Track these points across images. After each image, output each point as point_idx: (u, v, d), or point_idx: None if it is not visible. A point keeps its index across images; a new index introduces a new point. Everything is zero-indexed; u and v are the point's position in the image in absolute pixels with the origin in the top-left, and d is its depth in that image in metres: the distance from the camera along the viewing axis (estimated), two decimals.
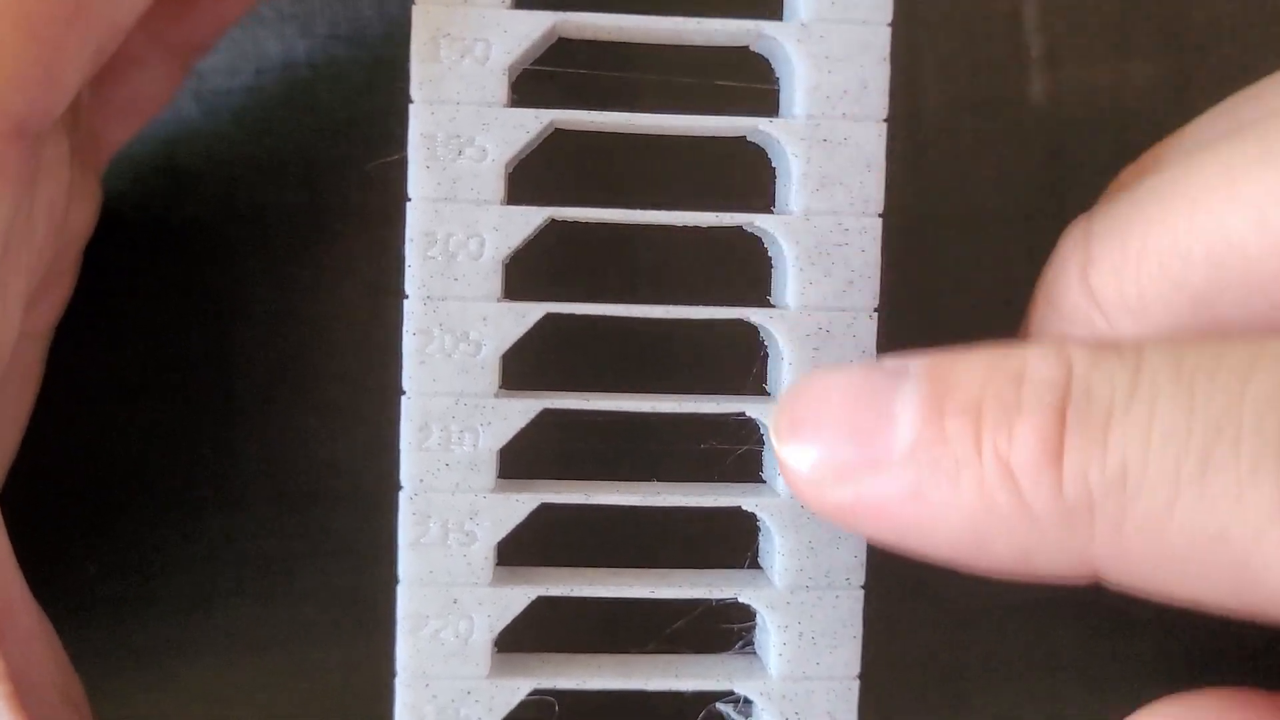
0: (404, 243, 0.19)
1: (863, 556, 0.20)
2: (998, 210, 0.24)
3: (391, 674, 0.19)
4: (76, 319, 0.23)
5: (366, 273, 0.24)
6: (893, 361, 0.17)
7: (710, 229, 0.20)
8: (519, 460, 0.20)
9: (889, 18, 0.19)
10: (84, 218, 0.22)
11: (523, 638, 0.20)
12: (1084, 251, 0.19)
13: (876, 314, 0.20)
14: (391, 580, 0.19)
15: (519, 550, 0.20)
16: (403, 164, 0.19)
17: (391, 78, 0.24)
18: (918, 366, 0.17)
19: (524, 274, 0.20)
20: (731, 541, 0.21)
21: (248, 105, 0.24)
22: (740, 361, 0.21)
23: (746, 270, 0.21)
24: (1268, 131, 0.17)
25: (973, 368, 0.17)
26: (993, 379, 0.16)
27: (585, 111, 0.19)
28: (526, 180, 0.20)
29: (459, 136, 0.19)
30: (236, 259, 0.24)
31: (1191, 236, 0.17)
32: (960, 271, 0.24)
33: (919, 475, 0.16)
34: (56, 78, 0.18)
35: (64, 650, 0.21)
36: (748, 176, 0.21)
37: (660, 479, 0.21)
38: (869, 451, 0.17)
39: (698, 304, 0.20)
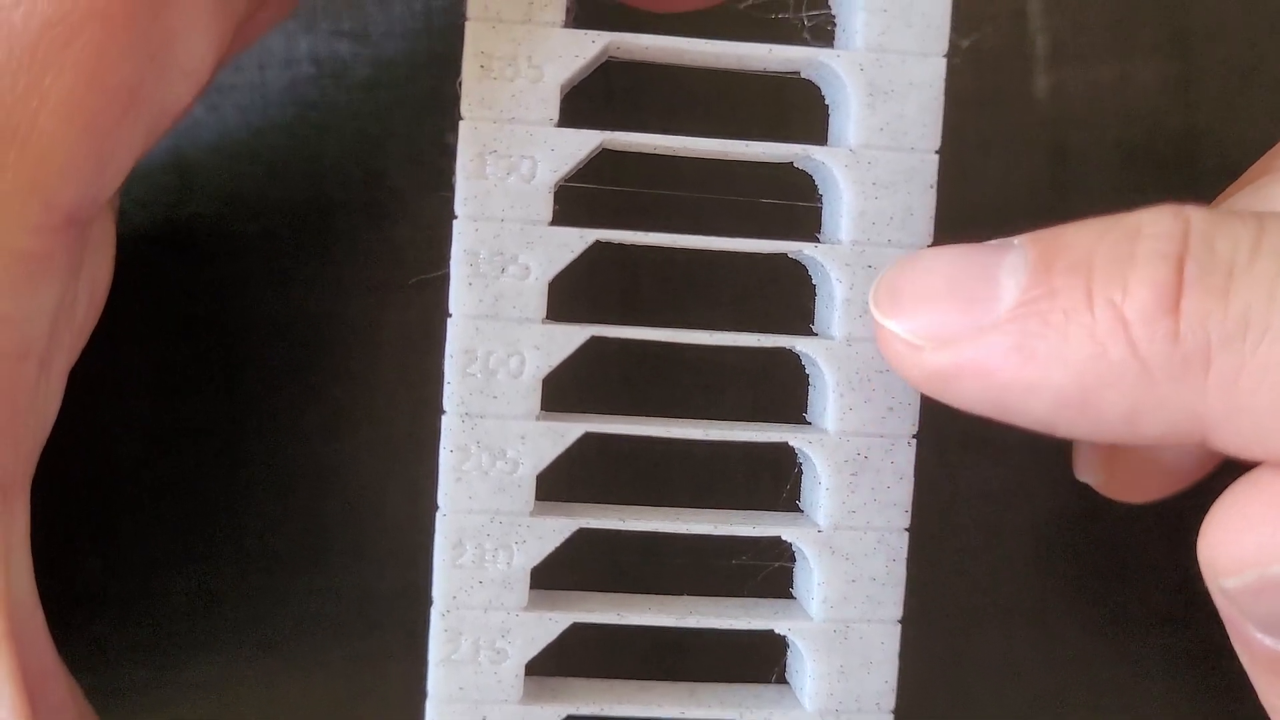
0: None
1: (893, 682, 0.20)
2: (1001, 208, 0.24)
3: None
4: None
5: (370, 269, 0.24)
6: (996, 241, 0.17)
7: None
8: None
9: (937, 145, 0.19)
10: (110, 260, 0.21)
11: None
12: None
13: (915, 440, 0.19)
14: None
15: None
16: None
17: (394, 74, 0.24)
18: (1022, 239, 0.17)
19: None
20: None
21: (251, 102, 0.24)
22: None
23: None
24: None
25: (1083, 230, 0.16)
26: (1105, 237, 0.16)
27: (630, 232, 0.19)
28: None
29: (502, 254, 0.19)
30: (240, 256, 0.24)
31: None
32: None
33: (1025, 331, 0.16)
34: (108, 167, 0.17)
35: (95, 716, 0.21)
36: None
37: (689, 590, 0.21)
38: (972, 316, 0.16)
39: (734, 420, 0.20)
